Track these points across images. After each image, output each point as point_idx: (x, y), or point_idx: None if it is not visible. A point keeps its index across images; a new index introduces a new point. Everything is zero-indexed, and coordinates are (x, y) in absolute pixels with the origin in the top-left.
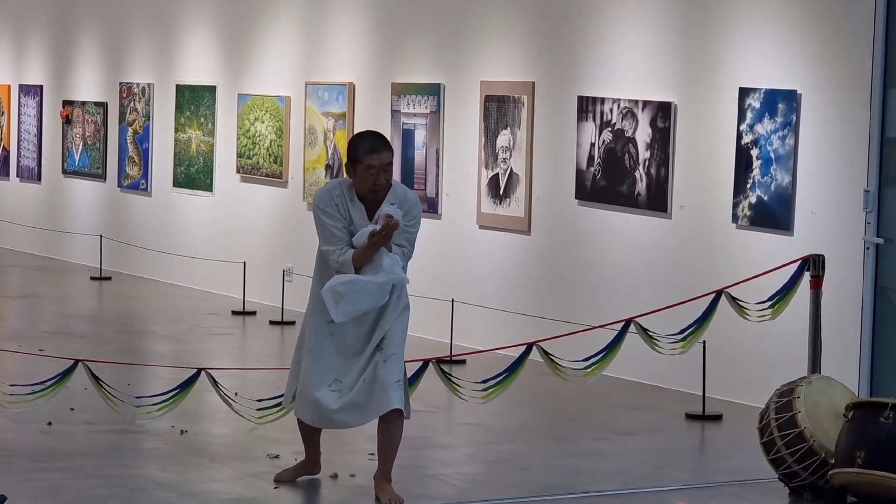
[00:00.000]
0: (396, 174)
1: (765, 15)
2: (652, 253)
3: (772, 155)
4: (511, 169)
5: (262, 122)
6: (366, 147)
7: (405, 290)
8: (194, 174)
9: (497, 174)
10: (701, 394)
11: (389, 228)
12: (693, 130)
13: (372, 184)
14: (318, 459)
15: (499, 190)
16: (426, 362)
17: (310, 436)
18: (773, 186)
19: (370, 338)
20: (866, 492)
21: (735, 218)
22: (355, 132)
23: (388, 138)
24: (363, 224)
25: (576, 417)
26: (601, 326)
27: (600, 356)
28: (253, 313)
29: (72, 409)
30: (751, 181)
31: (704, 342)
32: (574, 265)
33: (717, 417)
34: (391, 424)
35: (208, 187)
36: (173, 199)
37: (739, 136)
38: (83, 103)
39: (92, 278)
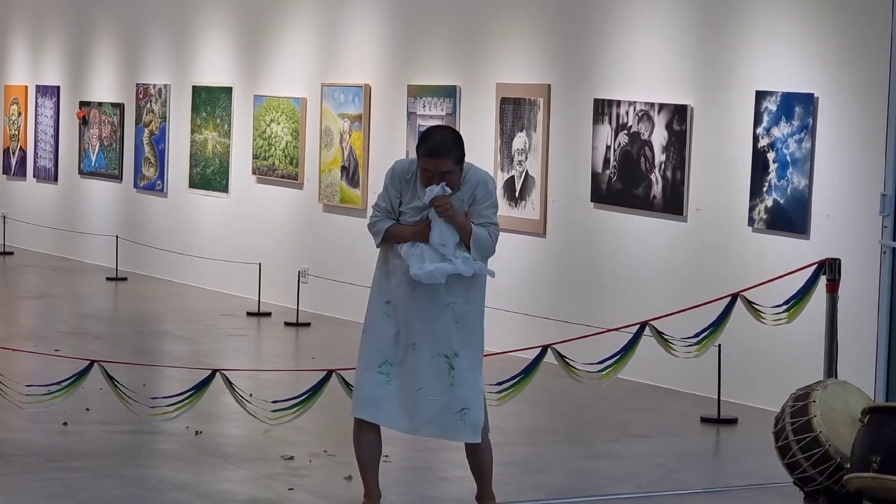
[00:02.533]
0: None
1: (782, 18)
2: (667, 256)
3: (788, 158)
4: (527, 171)
5: (278, 123)
6: (424, 148)
7: (478, 310)
8: (210, 175)
9: (513, 176)
10: (716, 397)
11: (441, 207)
12: (709, 133)
13: (426, 183)
14: (378, 493)
15: (514, 192)
16: None
17: (370, 461)
18: (789, 190)
19: (433, 334)
20: (882, 497)
21: (751, 221)
22: (428, 126)
23: (443, 142)
24: (422, 205)
25: (591, 420)
26: (616, 329)
27: (615, 359)
28: (268, 314)
29: (87, 409)
30: (767, 184)
31: (720, 346)
32: (589, 268)
33: (732, 421)
34: (476, 449)
35: (224, 188)
36: (189, 199)
37: (756, 140)
38: (100, 104)
39: (108, 279)
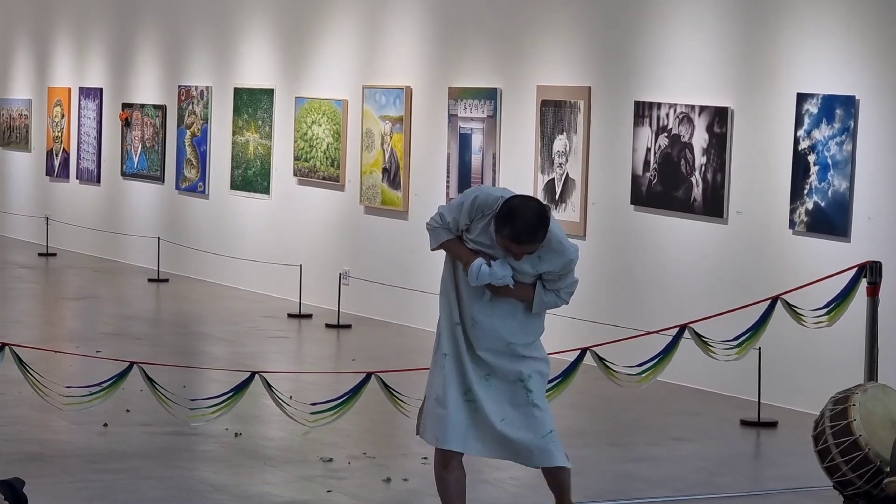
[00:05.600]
0: (454, 179)
1: (823, 20)
2: (708, 258)
3: (829, 161)
4: (567, 174)
5: (320, 125)
6: (507, 231)
7: (538, 341)
8: (251, 177)
9: (553, 179)
10: (756, 400)
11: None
12: (750, 136)
13: (504, 250)
14: None
15: (555, 194)
16: None
17: (458, 499)
18: (830, 192)
19: (504, 362)
20: None
21: (792, 224)
22: (515, 195)
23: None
24: (489, 244)
25: (630, 423)
26: (656, 332)
27: (655, 362)
28: (309, 316)
29: (128, 410)
30: (808, 187)
31: (760, 348)
32: (629, 270)
33: (772, 424)
34: (557, 476)
35: (265, 190)
36: (231, 201)
37: (797, 142)
38: (142, 106)
39: (149, 280)
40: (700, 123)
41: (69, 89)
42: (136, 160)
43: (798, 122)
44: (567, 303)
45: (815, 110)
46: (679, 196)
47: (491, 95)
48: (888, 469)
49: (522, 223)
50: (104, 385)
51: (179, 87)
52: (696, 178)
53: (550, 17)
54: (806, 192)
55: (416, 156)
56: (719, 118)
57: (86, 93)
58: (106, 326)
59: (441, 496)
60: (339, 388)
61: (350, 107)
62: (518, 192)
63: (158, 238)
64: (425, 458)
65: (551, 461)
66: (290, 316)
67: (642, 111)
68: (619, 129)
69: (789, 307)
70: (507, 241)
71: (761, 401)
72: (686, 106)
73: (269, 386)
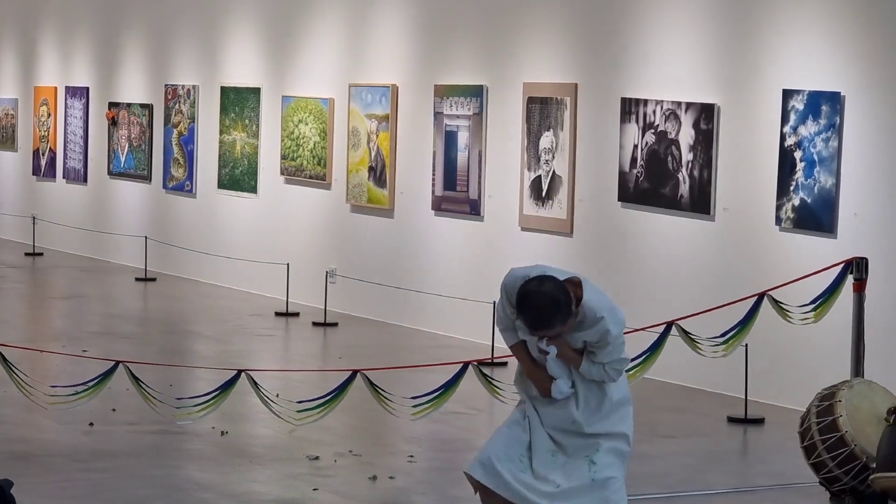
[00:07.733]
0: (440, 177)
1: (808, 17)
2: (694, 255)
3: (815, 157)
4: (553, 171)
5: (306, 123)
6: (523, 321)
7: (628, 416)
8: (238, 176)
9: (539, 176)
10: (743, 397)
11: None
12: (736, 132)
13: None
14: None
15: (541, 192)
16: (466, 364)
17: None
18: (816, 189)
19: (574, 443)
20: None
21: (778, 220)
22: (530, 280)
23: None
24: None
25: None
26: (643, 329)
27: (642, 359)
28: (296, 314)
29: (114, 409)
30: (794, 183)
31: (747, 345)
32: (616, 267)
33: (759, 421)
34: None
35: (252, 189)
36: (218, 200)
37: (783, 138)
38: (129, 105)
39: (137, 279)
40: (686, 120)
41: (55, 88)
42: (122, 159)
43: (784, 119)
44: (615, 380)
45: (800, 107)
46: (666, 193)
47: (477, 93)
48: (874, 465)
49: (535, 312)
50: (89, 384)
51: (166, 86)
52: (683, 174)
53: (536, 14)
54: (792, 188)
55: (402, 154)
56: (706, 115)
57: (72, 92)
58: (93, 325)
59: None
60: (325, 386)
61: (336, 105)
62: (545, 270)
63: (145, 237)
64: (411, 455)
65: None
66: (278, 314)
67: (629, 108)
68: (605, 125)
69: (776, 304)
70: (529, 330)
71: (748, 397)
72: (672, 103)
73: (255, 384)
